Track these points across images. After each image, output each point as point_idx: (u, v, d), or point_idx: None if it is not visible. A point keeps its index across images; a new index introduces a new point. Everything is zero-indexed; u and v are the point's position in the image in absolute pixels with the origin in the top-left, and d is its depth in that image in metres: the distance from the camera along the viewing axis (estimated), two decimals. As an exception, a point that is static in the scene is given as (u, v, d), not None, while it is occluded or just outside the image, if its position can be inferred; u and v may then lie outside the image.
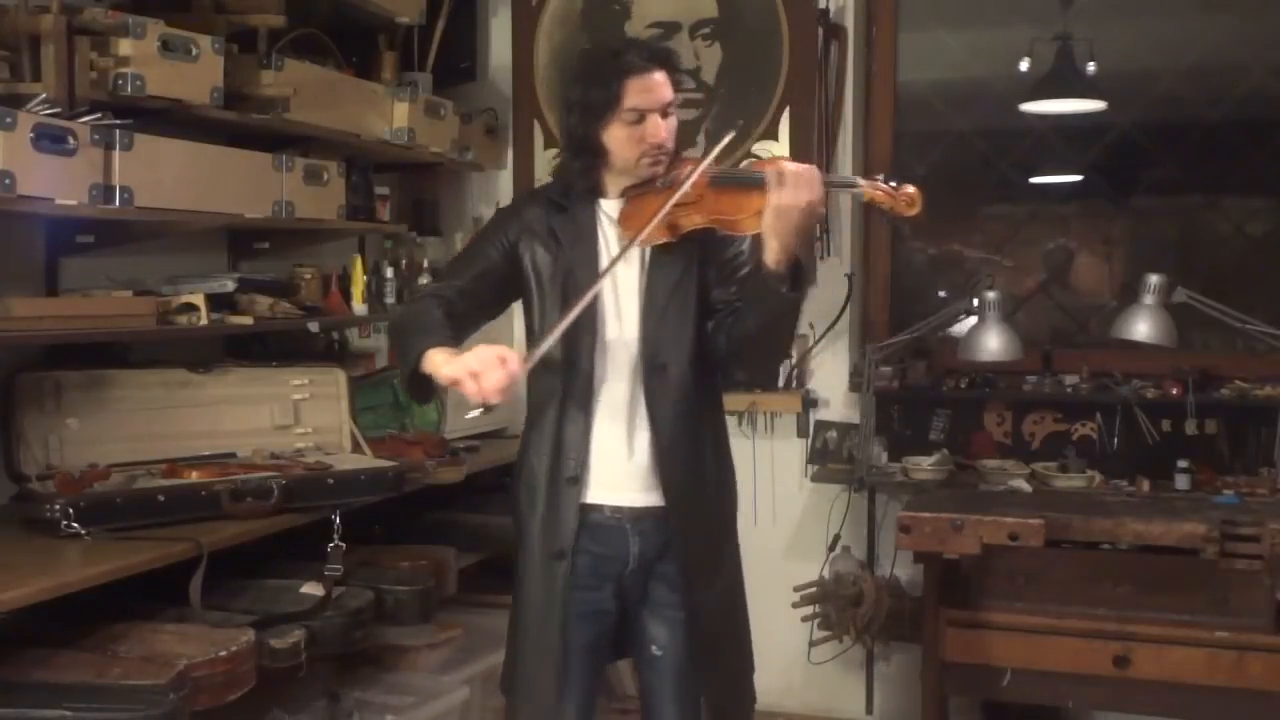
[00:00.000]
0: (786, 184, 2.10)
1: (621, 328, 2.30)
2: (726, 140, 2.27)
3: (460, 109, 3.93)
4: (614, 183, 2.32)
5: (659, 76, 2.25)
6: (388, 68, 3.71)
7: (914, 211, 2.21)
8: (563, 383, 2.30)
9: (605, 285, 2.28)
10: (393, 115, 3.54)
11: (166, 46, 2.69)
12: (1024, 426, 3.81)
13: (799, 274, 2.17)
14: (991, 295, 3.64)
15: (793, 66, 3.97)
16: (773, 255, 2.14)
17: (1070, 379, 3.74)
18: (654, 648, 2.37)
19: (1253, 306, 3.57)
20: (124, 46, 2.61)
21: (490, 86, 4.30)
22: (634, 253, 2.29)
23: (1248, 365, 3.67)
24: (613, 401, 2.30)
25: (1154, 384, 3.62)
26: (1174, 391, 3.56)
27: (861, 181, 2.23)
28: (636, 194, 2.30)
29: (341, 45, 3.50)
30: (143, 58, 2.64)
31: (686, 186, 2.20)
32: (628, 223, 2.28)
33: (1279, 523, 2.97)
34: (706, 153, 2.26)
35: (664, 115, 2.25)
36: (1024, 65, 4.06)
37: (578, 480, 2.31)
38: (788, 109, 3.98)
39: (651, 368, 2.29)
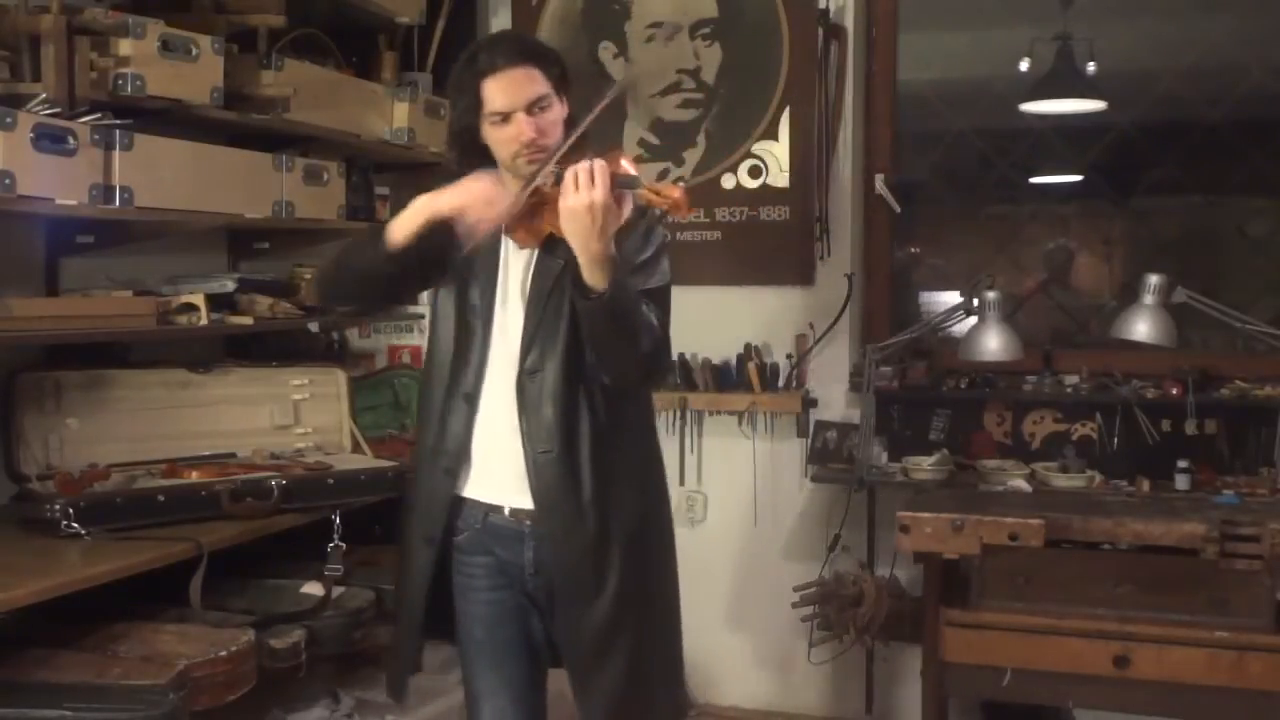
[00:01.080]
0: (568, 185, 2.03)
1: (508, 328, 2.27)
2: (579, 131, 2.17)
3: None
4: (510, 182, 2.25)
5: (519, 73, 2.17)
6: (388, 68, 3.71)
7: (680, 214, 2.08)
8: (452, 372, 2.29)
9: (499, 285, 2.26)
10: (393, 115, 3.54)
11: (166, 46, 2.69)
12: (1024, 426, 3.81)
13: (613, 280, 2.07)
14: (991, 295, 3.64)
15: (793, 66, 3.97)
16: (580, 260, 2.06)
17: (1070, 379, 3.73)
18: (568, 655, 2.34)
19: (1253, 306, 3.57)
20: (124, 46, 2.62)
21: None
22: (524, 254, 2.25)
23: (1248, 365, 3.67)
24: (497, 400, 2.26)
25: (1154, 384, 3.62)
26: (1174, 391, 3.56)
27: (642, 182, 2.08)
28: (527, 194, 2.20)
29: (341, 45, 3.50)
30: (143, 58, 2.64)
31: (542, 185, 2.11)
32: (512, 223, 2.20)
33: (1279, 523, 2.97)
34: (557, 149, 2.15)
35: (531, 112, 2.17)
36: (1024, 65, 4.06)
37: (453, 472, 2.29)
38: (788, 109, 3.98)
39: (525, 371, 2.24)
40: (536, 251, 2.25)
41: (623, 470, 2.31)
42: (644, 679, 2.33)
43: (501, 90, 2.17)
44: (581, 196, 2.01)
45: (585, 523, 2.24)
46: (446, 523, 2.32)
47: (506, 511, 2.29)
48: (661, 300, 2.25)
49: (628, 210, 2.07)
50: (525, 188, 2.15)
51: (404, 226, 2.19)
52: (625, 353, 2.17)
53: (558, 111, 2.22)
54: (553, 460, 2.23)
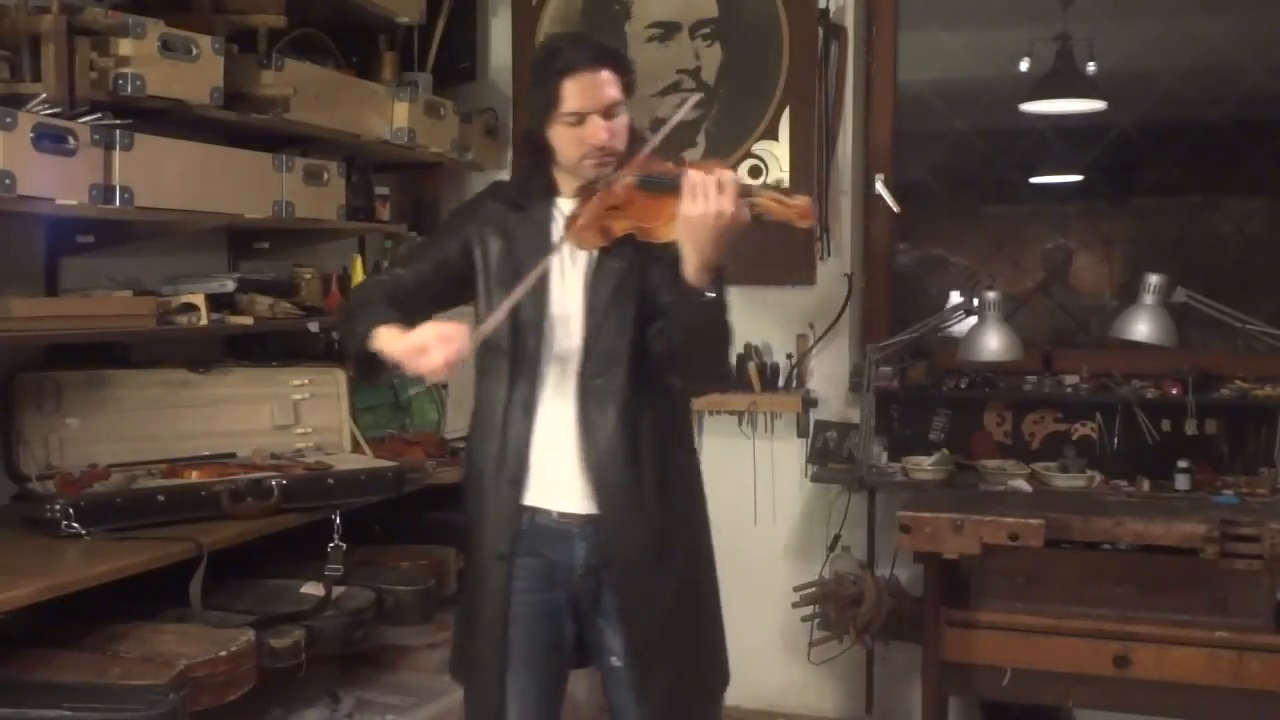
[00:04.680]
0: (697, 193, 2.04)
1: (568, 333, 2.28)
2: (662, 134, 2.19)
3: (460, 109, 3.93)
4: (566, 182, 2.29)
5: (603, 75, 2.19)
6: (388, 68, 3.71)
7: (806, 224, 2.10)
8: (509, 385, 2.29)
9: (554, 291, 2.26)
10: (393, 115, 3.54)
11: (166, 46, 2.69)
12: (1024, 426, 3.81)
13: (719, 284, 2.11)
14: (991, 295, 3.64)
15: (793, 66, 3.97)
16: (689, 265, 2.08)
17: (1070, 379, 3.73)
18: (614, 658, 2.34)
19: (1253, 306, 3.57)
20: (124, 46, 2.62)
21: (490, 86, 4.30)
22: (580, 257, 2.27)
23: (1248, 365, 3.67)
24: (555, 407, 2.27)
25: (1154, 384, 3.62)
26: (1174, 391, 3.56)
27: (763, 192, 2.11)
28: (586, 195, 2.25)
29: (341, 45, 3.51)
30: (143, 58, 2.64)
31: (616, 188, 2.15)
32: (572, 225, 2.23)
33: (1279, 523, 2.97)
34: (639, 154, 2.19)
35: (607, 116, 2.20)
36: (1024, 65, 4.05)
37: (518, 483, 2.29)
38: (788, 109, 3.98)
39: (587, 377, 2.25)
40: (595, 255, 2.26)
41: (676, 470, 2.36)
42: (702, 672, 2.41)
43: (581, 91, 2.18)
44: (709, 204, 2.03)
45: (648, 519, 2.29)
46: (515, 535, 2.31)
47: (555, 514, 2.30)
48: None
49: (746, 219, 2.08)
50: (602, 190, 2.18)
51: (376, 345, 2.21)
52: (715, 356, 2.23)
53: (625, 118, 2.25)
54: (617, 461, 2.25)
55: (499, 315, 2.15)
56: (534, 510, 2.31)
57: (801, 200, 2.08)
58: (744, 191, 2.07)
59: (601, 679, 2.42)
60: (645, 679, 2.32)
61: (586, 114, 2.18)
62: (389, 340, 2.18)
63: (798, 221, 2.09)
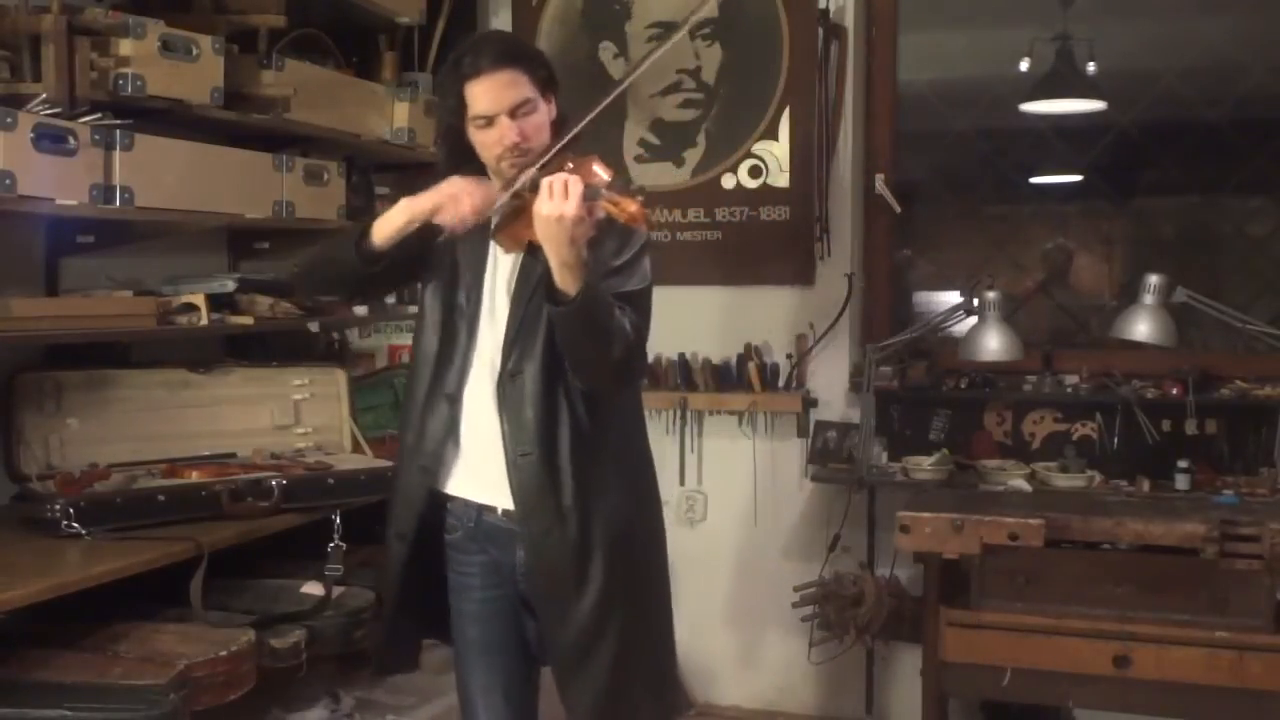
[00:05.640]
0: (542, 194, 2.04)
1: (494, 329, 2.27)
2: (562, 142, 2.18)
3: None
4: (498, 185, 2.26)
5: (503, 77, 2.17)
6: (388, 68, 3.71)
7: (639, 225, 2.07)
8: (434, 372, 2.30)
9: (485, 287, 2.28)
10: (393, 115, 3.54)
11: (166, 46, 2.69)
12: (1024, 426, 3.81)
13: (582, 289, 2.07)
14: (991, 295, 3.64)
15: (793, 66, 3.97)
16: (552, 266, 2.06)
17: (1070, 379, 3.73)
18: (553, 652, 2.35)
19: (1253, 306, 3.57)
20: (124, 46, 2.62)
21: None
22: (511, 257, 2.26)
23: (1248, 365, 3.67)
24: (478, 403, 2.27)
25: (1154, 384, 3.62)
26: (1174, 391, 3.56)
27: (603, 193, 2.08)
28: (512, 198, 2.22)
29: (341, 45, 3.50)
30: (143, 58, 2.64)
31: (522, 190, 2.14)
32: (498, 228, 2.23)
33: (1279, 523, 2.97)
34: (544, 152, 2.18)
35: (515, 115, 2.17)
36: (1024, 65, 4.06)
37: (429, 471, 2.31)
38: (788, 109, 3.98)
39: (506, 374, 2.24)
40: (522, 255, 2.25)
41: (607, 473, 2.29)
42: (627, 685, 2.31)
43: (484, 94, 2.17)
44: (555, 206, 2.02)
45: (566, 526, 2.23)
46: (420, 520, 2.34)
47: (500, 512, 2.29)
48: (640, 303, 2.24)
49: (598, 219, 2.07)
50: (506, 192, 2.18)
51: (385, 228, 2.24)
52: (596, 358, 2.17)
53: (543, 114, 2.23)
54: (533, 462, 2.22)
55: (525, 178, 2.14)
56: (480, 507, 2.31)
57: (632, 205, 2.03)
58: (590, 194, 2.05)
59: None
60: (572, 680, 2.29)
61: (494, 116, 2.18)
62: (407, 203, 2.22)
63: (631, 224, 2.07)
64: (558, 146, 2.19)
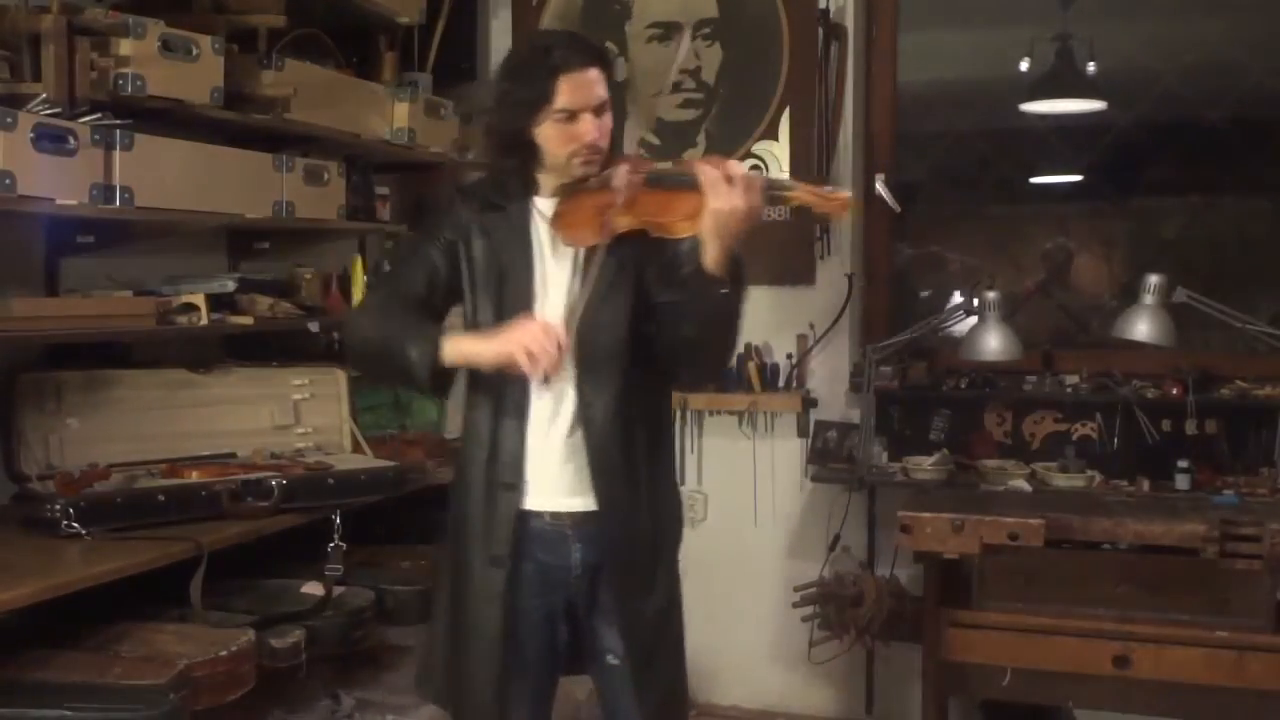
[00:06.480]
0: (723, 189, 2.06)
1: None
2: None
3: (460, 109, 3.93)
4: (547, 181, 2.27)
5: (592, 74, 2.17)
6: (388, 68, 3.71)
7: (845, 215, 2.19)
8: (497, 388, 2.26)
9: (538, 288, 2.25)
10: (393, 115, 3.54)
11: (166, 46, 2.69)
12: (1024, 426, 3.81)
13: (739, 274, 2.13)
14: (991, 295, 3.64)
15: (793, 66, 3.97)
16: (711, 258, 2.09)
17: (1070, 379, 3.73)
18: (610, 657, 2.32)
19: (1253, 306, 3.57)
20: (124, 46, 2.62)
21: (490, 86, 4.29)
22: (566, 255, 2.26)
23: (1248, 365, 3.67)
24: (547, 406, 2.25)
25: (1154, 384, 3.62)
26: (1174, 391, 3.55)
27: (799, 186, 2.18)
28: (570, 193, 2.24)
29: (341, 45, 3.50)
30: (143, 58, 2.64)
31: (617, 185, 2.17)
32: (561, 222, 2.23)
33: (1279, 523, 2.97)
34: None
35: (597, 114, 2.18)
36: (1024, 65, 4.06)
37: (514, 487, 2.26)
38: (788, 109, 3.98)
39: (583, 373, 2.23)
40: (582, 252, 2.24)
41: (665, 470, 2.37)
42: (684, 681, 2.41)
43: (576, 88, 2.16)
44: (735, 199, 2.05)
45: (645, 520, 2.29)
46: (515, 540, 2.27)
47: (547, 517, 2.28)
48: None
49: (761, 211, 2.13)
50: (598, 188, 2.19)
51: (452, 358, 2.20)
52: (727, 347, 2.26)
53: (609, 117, 2.24)
54: (615, 460, 2.25)
55: (581, 301, 2.17)
56: (526, 513, 2.27)
57: (810, 196, 2.15)
58: (773, 185, 2.16)
59: (596, 682, 2.40)
60: (645, 677, 2.31)
61: (578, 111, 2.17)
62: (479, 347, 2.18)
63: (835, 216, 2.16)
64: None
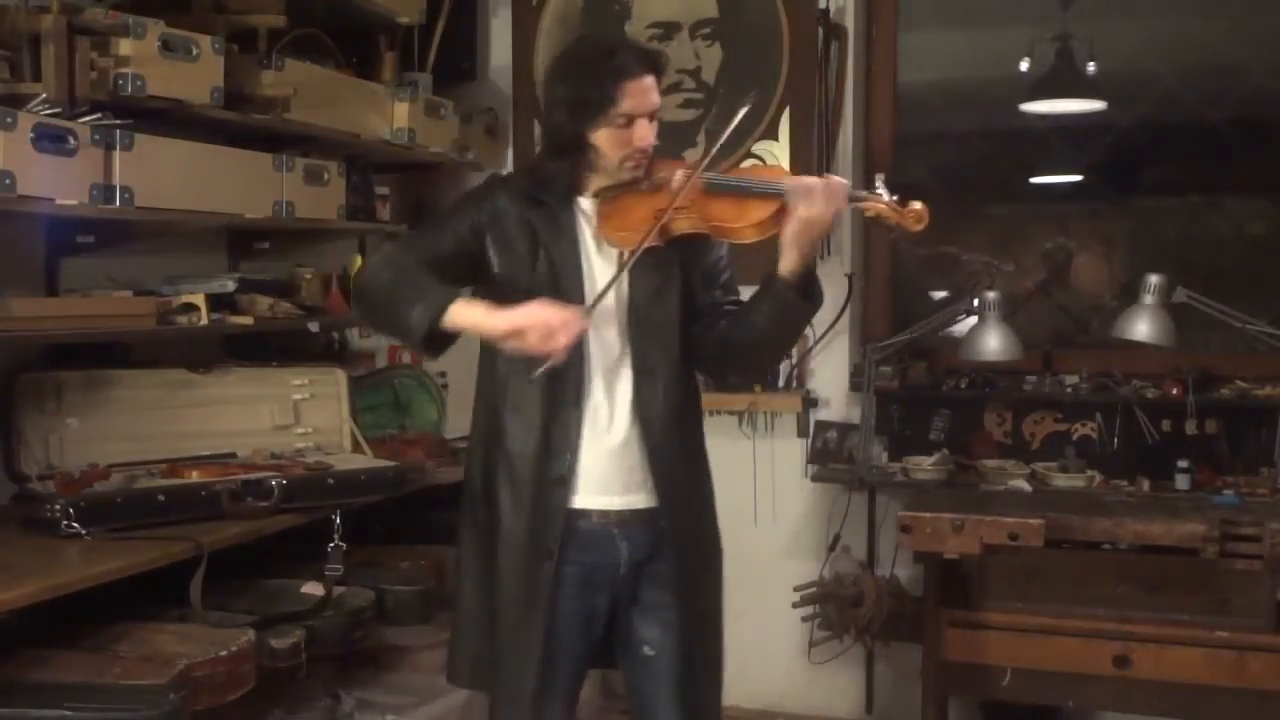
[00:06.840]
0: (816, 198, 2.13)
1: (604, 331, 2.26)
2: (719, 143, 2.22)
3: (460, 109, 3.94)
4: (592, 182, 2.29)
5: (650, 80, 2.22)
6: (388, 68, 3.71)
7: (920, 228, 2.21)
8: (548, 382, 2.24)
9: (586, 289, 2.27)
10: (393, 115, 3.54)
11: (166, 46, 2.69)
12: (1024, 426, 3.81)
13: (813, 282, 2.21)
14: (991, 295, 3.64)
15: (793, 66, 3.97)
16: (790, 265, 2.18)
17: (1070, 379, 3.73)
18: (646, 648, 2.35)
19: (1253, 306, 3.57)
20: (124, 46, 2.61)
21: (490, 86, 4.30)
22: (612, 255, 2.28)
23: (1248, 365, 3.67)
24: (601, 404, 2.26)
25: (1154, 384, 3.62)
26: (1174, 391, 3.55)
27: (880, 195, 2.24)
28: (615, 194, 2.26)
29: (341, 45, 3.50)
30: (143, 58, 2.64)
31: (673, 189, 2.21)
32: (610, 224, 2.25)
33: (1279, 523, 2.97)
34: (704, 156, 2.24)
35: (651, 119, 2.24)
36: (1024, 65, 4.06)
37: (564, 482, 2.25)
38: (788, 109, 3.98)
39: (640, 372, 2.27)
40: (625, 253, 2.25)
41: (707, 469, 2.44)
42: (722, 656, 2.47)
43: (638, 94, 2.20)
44: (827, 207, 2.13)
45: (706, 514, 2.41)
46: (562, 535, 2.26)
47: (594, 516, 2.28)
48: None
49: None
50: (650, 191, 2.24)
51: (457, 323, 2.19)
52: (787, 350, 2.42)
53: (658, 122, 2.28)
54: (673, 448, 2.30)
55: (606, 290, 2.20)
56: (571, 512, 2.27)
57: (883, 207, 2.23)
58: (854, 197, 2.23)
59: (628, 676, 2.42)
60: (683, 673, 2.35)
61: (637, 117, 2.21)
62: (487, 316, 2.16)
63: (912, 229, 2.22)
64: (716, 146, 2.22)
